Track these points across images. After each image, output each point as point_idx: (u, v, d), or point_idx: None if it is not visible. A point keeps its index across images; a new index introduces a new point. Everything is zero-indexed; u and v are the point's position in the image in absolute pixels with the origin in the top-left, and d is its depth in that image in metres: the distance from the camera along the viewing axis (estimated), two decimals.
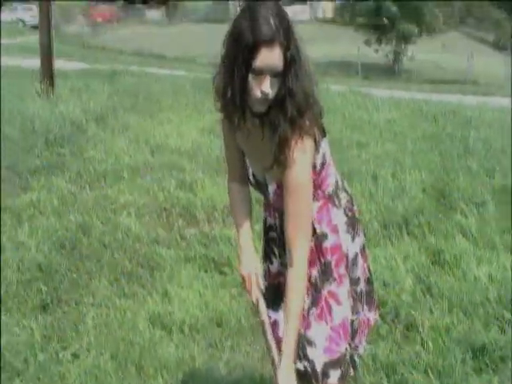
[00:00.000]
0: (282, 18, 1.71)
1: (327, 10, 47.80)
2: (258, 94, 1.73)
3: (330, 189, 2.00)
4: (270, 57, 1.68)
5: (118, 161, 6.49)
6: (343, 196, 2.05)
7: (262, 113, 1.80)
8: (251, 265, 2.07)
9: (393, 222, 4.74)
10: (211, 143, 7.30)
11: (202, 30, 34.65)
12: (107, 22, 42.28)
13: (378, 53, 26.55)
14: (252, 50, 1.67)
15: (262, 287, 2.07)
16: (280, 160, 1.81)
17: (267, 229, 2.15)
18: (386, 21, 26.09)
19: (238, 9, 1.81)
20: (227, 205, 4.82)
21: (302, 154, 1.80)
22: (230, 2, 47.61)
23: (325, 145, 1.94)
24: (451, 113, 9.89)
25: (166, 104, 10.17)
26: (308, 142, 1.81)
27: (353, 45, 25.94)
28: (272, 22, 1.68)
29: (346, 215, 2.04)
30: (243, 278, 2.08)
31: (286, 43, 1.70)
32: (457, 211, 5.05)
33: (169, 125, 8.49)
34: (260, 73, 1.70)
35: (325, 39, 30.83)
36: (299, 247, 1.86)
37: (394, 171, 6.13)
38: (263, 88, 1.72)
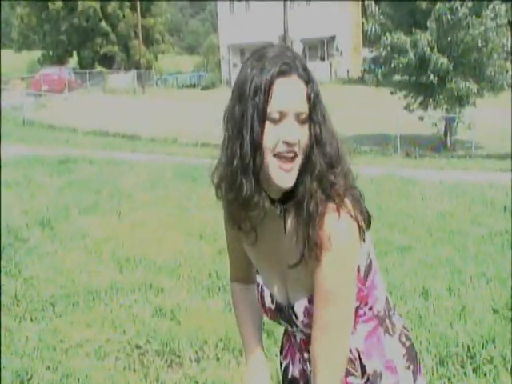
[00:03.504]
0: (296, 53, 1.81)
1: (353, 67, 49.22)
2: (280, 149, 1.72)
3: (378, 307, 1.96)
4: (289, 92, 1.73)
5: (71, 281, 6.53)
6: (397, 319, 2.04)
7: (285, 194, 1.80)
8: None
9: (452, 356, 4.73)
10: (200, 252, 7.36)
11: (183, 99, 35.43)
12: (56, 91, 43.30)
13: (423, 121, 27.03)
14: (265, 89, 1.71)
15: None
16: (311, 244, 1.75)
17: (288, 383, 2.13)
18: (433, 78, 26.60)
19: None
20: (222, 336, 4.83)
21: (340, 233, 1.74)
22: (222, 67, 49.20)
23: (369, 240, 1.90)
24: None
25: (140, 200, 10.37)
26: (347, 220, 1.75)
27: (389, 112, 26.48)
28: (285, 53, 1.78)
29: (403, 345, 2.02)
30: None
31: (306, 76, 1.77)
32: None
33: (143, 228, 8.62)
34: (280, 117, 1.72)
35: (350, 105, 31.51)
36: (327, 372, 1.82)
37: (450, 284, 6.17)
38: (287, 137, 1.72)
